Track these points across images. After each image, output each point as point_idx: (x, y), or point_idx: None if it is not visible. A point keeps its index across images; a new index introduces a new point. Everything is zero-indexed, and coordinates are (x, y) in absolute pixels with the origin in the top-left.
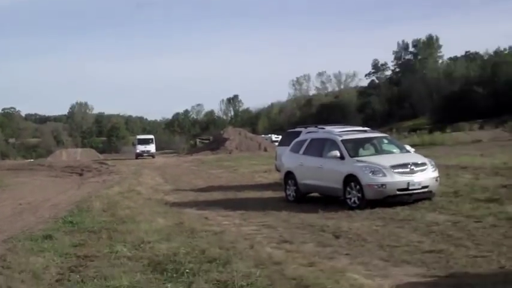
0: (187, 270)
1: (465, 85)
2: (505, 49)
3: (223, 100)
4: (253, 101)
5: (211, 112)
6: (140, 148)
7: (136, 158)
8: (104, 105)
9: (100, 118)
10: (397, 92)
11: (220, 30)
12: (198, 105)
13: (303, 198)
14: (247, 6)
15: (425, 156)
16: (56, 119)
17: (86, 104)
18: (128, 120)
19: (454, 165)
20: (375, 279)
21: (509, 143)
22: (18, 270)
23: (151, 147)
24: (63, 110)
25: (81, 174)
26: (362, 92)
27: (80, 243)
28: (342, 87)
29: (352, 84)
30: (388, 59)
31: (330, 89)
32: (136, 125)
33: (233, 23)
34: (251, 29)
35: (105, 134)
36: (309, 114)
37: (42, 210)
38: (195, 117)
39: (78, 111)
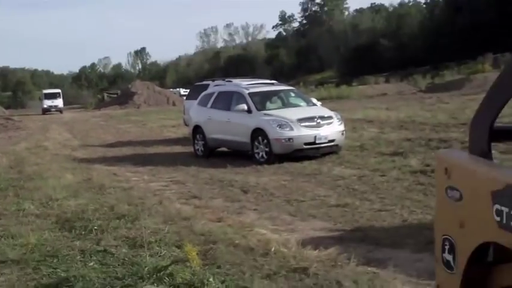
0: (95, 227)
1: (371, 38)
2: (409, 1)
3: (130, 53)
4: (161, 53)
5: (119, 65)
6: (47, 103)
7: (44, 114)
8: (8, 58)
9: (5, 72)
10: (304, 44)
11: None
12: (105, 58)
13: (212, 153)
14: None
15: (332, 109)
16: None
17: None
18: (34, 74)
19: (360, 118)
20: (282, 234)
21: (414, 97)
22: None
23: (59, 102)
24: None
25: None
26: (270, 44)
27: None
28: (250, 39)
29: (260, 37)
30: (295, 10)
31: (237, 41)
32: (42, 80)
33: None
34: None
35: (11, 89)
36: (218, 67)
37: None
38: (102, 70)
39: None
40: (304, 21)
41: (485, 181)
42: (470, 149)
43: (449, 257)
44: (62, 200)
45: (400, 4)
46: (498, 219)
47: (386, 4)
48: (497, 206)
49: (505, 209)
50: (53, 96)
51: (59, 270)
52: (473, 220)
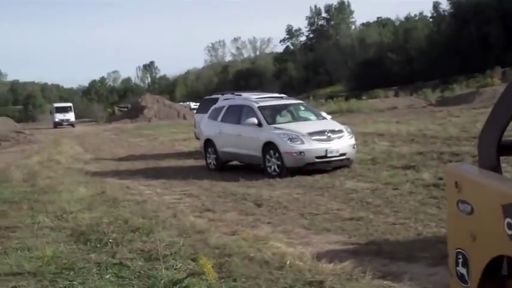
0: (110, 240)
1: (379, 52)
2: (415, 15)
3: (139, 67)
4: (170, 67)
5: (128, 79)
6: (59, 117)
7: (55, 127)
8: (18, 72)
9: (15, 86)
10: (312, 58)
11: None
12: (115, 72)
13: (224, 166)
14: None
15: (343, 123)
16: None
17: None
18: (44, 87)
19: (371, 132)
20: (296, 247)
21: (424, 110)
22: None
23: (71, 116)
24: None
25: None
26: (278, 58)
27: (1, 214)
28: (258, 53)
29: (268, 51)
30: (302, 24)
31: (245, 55)
32: (52, 93)
33: None
34: None
35: (21, 103)
36: (227, 80)
37: None
38: (112, 84)
39: None
40: (311, 35)
41: (496, 195)
42: (479, 163)
43: (463, 270)
44: (76, 213)
45: (407, 18)
46: (510, 232)
47: (393, 18)
48: (508, 220)
49: None
50: (65, 110)
51: (75, 282)
52: (485, 234)
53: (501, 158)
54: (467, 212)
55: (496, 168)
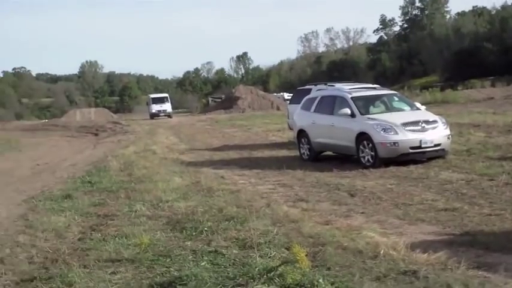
0: (205, 229)
1: (474, 41)
2: None
3: (232, 58)
4: (263, 58)
5: (222, 70)
6: (155, 108)
7: (152, 118)
8: (113, 64)
9: (111, 77)
10: (406, 48)
11: None
12: (208, 63)
13: (317, 156)
14: None
15: (438, 114)
16: (67, 78)
17: (95, 62)
18: (139, 79)
19: (466, 123)
20: (390, 237)
21: None
22: (41, 229)
23: (167, 107)
24: (73, 69)
25: (96, 134)
26: (371, 48)
27: (100, 202)
28: (351, 43)
29: (361, 41)
30: (395, 14)
31: (338, 46)
32: (147, 84)
33: None
34: None
35: (118, 94)
36: (320, 71)
37: (60, 170)
38: (205, 75)
39: (88, 70)
40: (405, 25)
41: None
42: None
43: None
44: (172, 202)
45: (503, 7)
46: None
47: (489, 7)
48: None
49: None
50: (161, 100)
51: (172, 269)
52: None
53: None
54: None
55: None
